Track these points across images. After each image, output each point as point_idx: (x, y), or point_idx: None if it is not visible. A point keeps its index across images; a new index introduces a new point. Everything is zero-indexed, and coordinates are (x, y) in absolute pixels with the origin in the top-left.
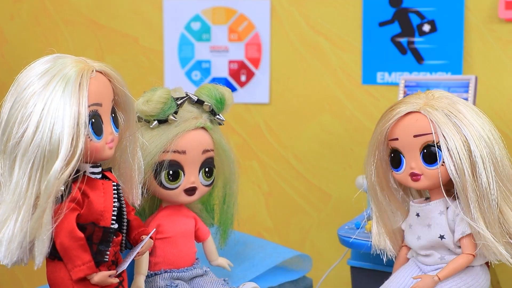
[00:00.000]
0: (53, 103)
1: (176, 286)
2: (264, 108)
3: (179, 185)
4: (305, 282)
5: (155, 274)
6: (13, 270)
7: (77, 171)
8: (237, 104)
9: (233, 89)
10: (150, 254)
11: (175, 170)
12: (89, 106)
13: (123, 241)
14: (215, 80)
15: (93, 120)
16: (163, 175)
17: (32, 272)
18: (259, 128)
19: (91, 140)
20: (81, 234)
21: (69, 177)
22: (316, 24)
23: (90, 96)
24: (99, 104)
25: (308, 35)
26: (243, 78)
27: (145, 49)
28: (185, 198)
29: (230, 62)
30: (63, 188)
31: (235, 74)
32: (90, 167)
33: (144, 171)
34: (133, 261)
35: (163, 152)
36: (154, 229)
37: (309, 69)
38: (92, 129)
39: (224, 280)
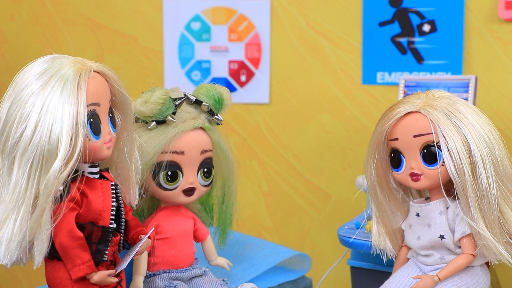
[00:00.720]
0: (51, 103)
1: (175, 286)
2: (264, 108)
3: (178, 186)
4: (305, 282)
5: (154, 275)
6: (13, 270)
7: (76, 171)
8: (237, 104)
9: (233, 89)
10: (149, 254)
11: (173, 171)
12: (87, 106)
13: (121, 241)
14: (215, 80)
15: (91, 120)
16: (161, 176)
17: (32, 272)
18: (259, 128)
19: (89, 140)
20: (80, 234)
21: (68, 177)
22: (316, 24)
23: (88, 96)
24: (97, 104)
25: (308, 35)
26: (243, 78)
27: (145, 49)
28: (184, 199)
29: (230, 62)
30: (62, 188)
31: (235, 74)
32: (88, 167)
33: (142, 172)
34: (131, 261)
35: (162, 153)
36: (153, 228)
37: (309, 69)
38: (91, 128)
39: (223, 280)
